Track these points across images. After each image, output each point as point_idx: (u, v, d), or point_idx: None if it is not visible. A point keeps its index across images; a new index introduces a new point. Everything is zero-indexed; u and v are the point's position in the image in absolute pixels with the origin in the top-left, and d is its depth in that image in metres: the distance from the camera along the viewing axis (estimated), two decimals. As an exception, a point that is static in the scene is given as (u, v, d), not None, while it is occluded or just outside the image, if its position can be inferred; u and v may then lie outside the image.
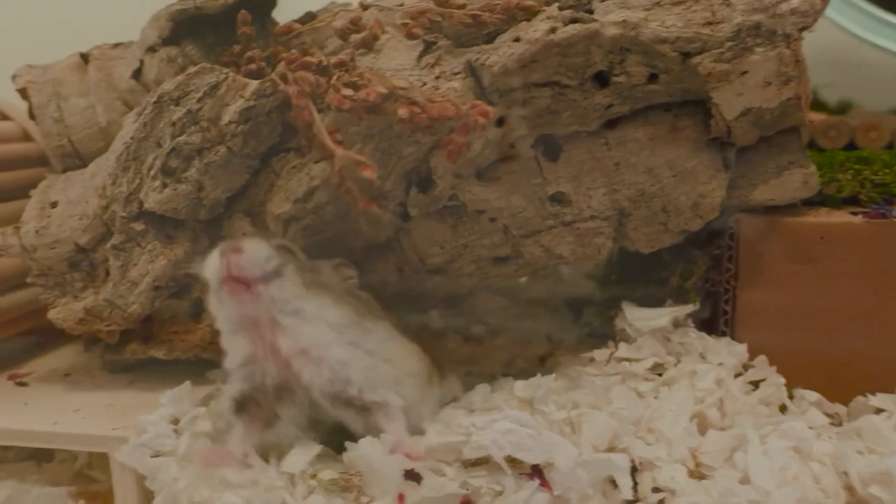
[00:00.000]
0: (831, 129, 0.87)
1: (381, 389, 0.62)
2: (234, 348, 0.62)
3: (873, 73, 1.15)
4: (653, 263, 0.79)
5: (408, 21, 0.68)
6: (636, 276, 0.84)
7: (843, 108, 1.14)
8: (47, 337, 0.87)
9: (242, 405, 0.64)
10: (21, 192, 0.84)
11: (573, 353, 0.79)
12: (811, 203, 0.73)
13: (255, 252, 0.59)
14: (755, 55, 0.60)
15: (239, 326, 0.61)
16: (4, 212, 0.82)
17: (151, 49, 0.74)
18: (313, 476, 0.64)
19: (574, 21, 0.61)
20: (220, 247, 0.60)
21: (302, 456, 0.65)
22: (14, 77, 0.80)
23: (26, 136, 0.89)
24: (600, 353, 0.74)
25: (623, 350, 0.73)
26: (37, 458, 0.78)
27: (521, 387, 0.69)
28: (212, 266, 0.60)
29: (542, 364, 0.82)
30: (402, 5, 0.71)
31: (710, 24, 0.60)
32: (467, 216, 0.71)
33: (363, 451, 0.62)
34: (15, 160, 0.86)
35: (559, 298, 0.95)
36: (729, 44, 0.61)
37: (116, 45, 0.81)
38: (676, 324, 0.74)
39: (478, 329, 0.92)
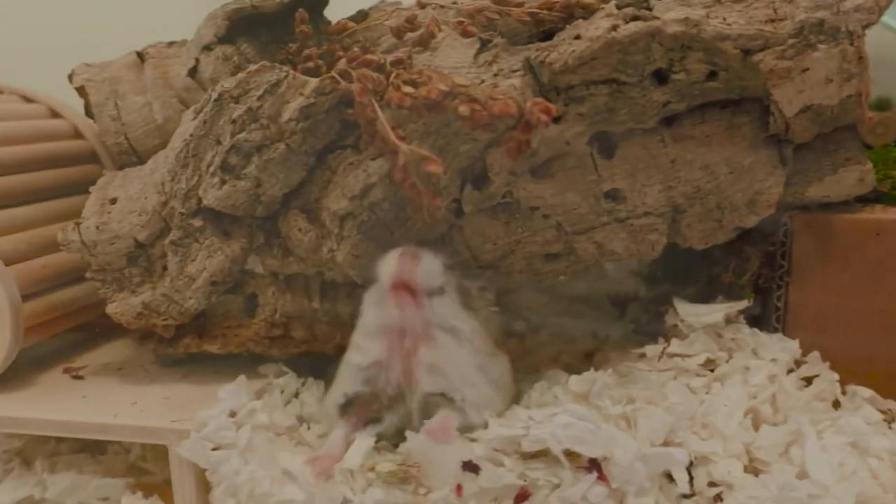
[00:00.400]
0: (878, 126, 0.86)
1: (485, 413, 0.65)
2: (369, 349, 0.64)
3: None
4: (701, 260, 0.79)
5: (463, 19, 0.68)
6: (683, 272, 0.84)
7: (882, 105, 1.14)
8: (97, 332, 0.88)
9: (348, 406, 0.66)
10: (72, 189, 0.86)
11: (621, 350, 0.79)
12: (864, 200, 0.73)
13: (430, 265, 0.62)
14: (818, 52, 0.60)
15: (385, 330, 0.63)
16: (58, 208, 0.84)
17: (207, 48, 0.75)
18: (371, 469, 0.65)
19: (635, 19, 0.61)
20: (401, 250, 0.63)
21: (360, 449, 0.66)
22: (71, 76, 0.81)
23: (77, 134, 0.90)
24: (651, 349, 0.74)
25: (675, 346, 0.74)
26: (90, 451, 0.79)
27: (575, 381, 0.69)
28: (388, 266, 0.62)
29: (588, 360, 0.82)
30: (456, 3, 0.72)
31: (772, 21, 0.61)
32: (520, 213, 0.71)
33: (421, 442, 0.63)
34: (66, 158, 0.87)
35: (602, 295, 0.96)
36: (792, 41, 0.61)
37: (171, 44, 0.82)
38: (728, 320, 0.74)
39: (520, 326, 0.93)
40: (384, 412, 0.65)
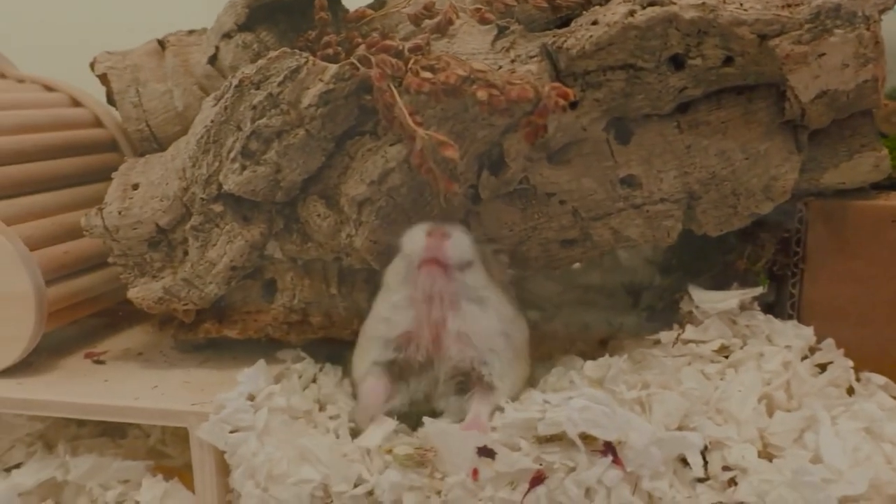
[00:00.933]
0: (893, 115, 0.87)
1: (507, 379, 0.66)
2: (399, 320, 0.66)
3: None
4: (715, 247, 0.80)
5: (480, 6, 0.69)
6: (697, 259, 0.84)
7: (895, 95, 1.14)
8: (118, 318, 0.90)
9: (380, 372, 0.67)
10: (92, 176, 0.87)
11: (635, 337, 0.79)
12: (880, 187, 0.73)
13: (460, 240, 0.64)
14: (834, 37, 0.61)
15: (415, 302, 0.65)
16: (78, 195, 0.85)
17: (227, 35, 0.76)
18: (388, 451, 0.66)
19: (652, 4, 0.61)
20: (428, 227, 0.65)
21: (378, 431, 0.67)
22: (93, 64, 0.82)
23: (97, 123, 0.91)
24: (666, 335, 0.75)
25: (689, 332, 0.74)
26: (111, 434, 0.80)
27: (591, 367, 0.70)
28: (414, 242, 0.65)
29: (603, 347, 0.83)
30: (473, -10, 0.72)
31: (789, 5, 0.61)
32: (537, 199, 0.72)
33: (438, 427, 0.64)
34: (87, 146, 0.88)
35: (617, 284, 0.96)
36: (808, 25, 0.61)
37: (192, 32, 0.83)
38: (743, 307, 0.75)
39: (533, 314, 0.93)
40: (411, 378, 0.67)
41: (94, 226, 0.72)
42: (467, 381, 0.66)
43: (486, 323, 0.66)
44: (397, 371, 0.67)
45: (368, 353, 0.68)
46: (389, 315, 0.66)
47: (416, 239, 0.65)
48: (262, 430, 0.66)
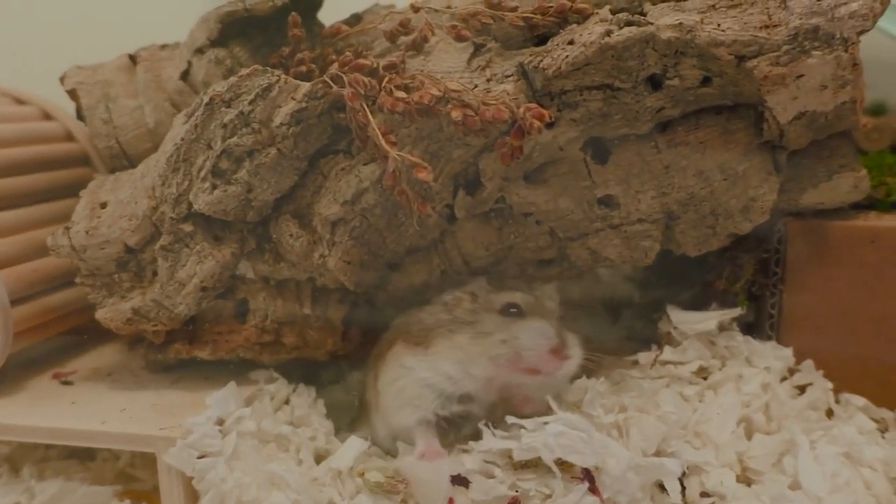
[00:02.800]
0: (874, 132, 0.86)
1: None
2: (464, 381, 0.66)
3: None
4: (696, 265, 0.79)
5: (457, 23, 0.68)
6: (677, 278, 0.83)
7: (877, 110, 1.14)
8: (88, 336, 0.88)
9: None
10: (64, 192, 0.85)
11: (615, 356, 0.78)
12: (859, 207, 0.72)
13: (575, 361, 0.66)
14: (812, 58, 0.60)
15: (496, 368, 0.65)
16: (49, 211, 0.83)
17: (199, 50, 0.75)
18: (361, 474, 0.65)
19: (629, 24, 0.61)
20: (553, 341, 0.64)
21: (350, 452, 0.66)
22: (63, 78, 0.81)
23: (69, 137, 0.89)
24: (644, 356, 0.74)
25: (667, 353, 0.73)
26: (80, 457, 0.78)
27: (570, 392, 0.69)
28: (530, 344, 0.64)
29: (581, 367, 0.82)
30: (449, 7, 0.71)
31: (767, 27, 0.60)
32: (513, 218, 0.71)
33: (410, 463, 0.63)
34: (58, 160, 0.87)
35: (597, 301, 0.95)
36: (786, 47, 0.60)
37: (164, 47, 0.81)
38: (722, 327, 0.74)
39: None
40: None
41: (60, 245, 0.71)
42: None
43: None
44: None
45: (418, 401, 0.67)
46: (453, 372, 0.65)
47: (532, 341, 0.64)
48: (230, 455, 0.65)
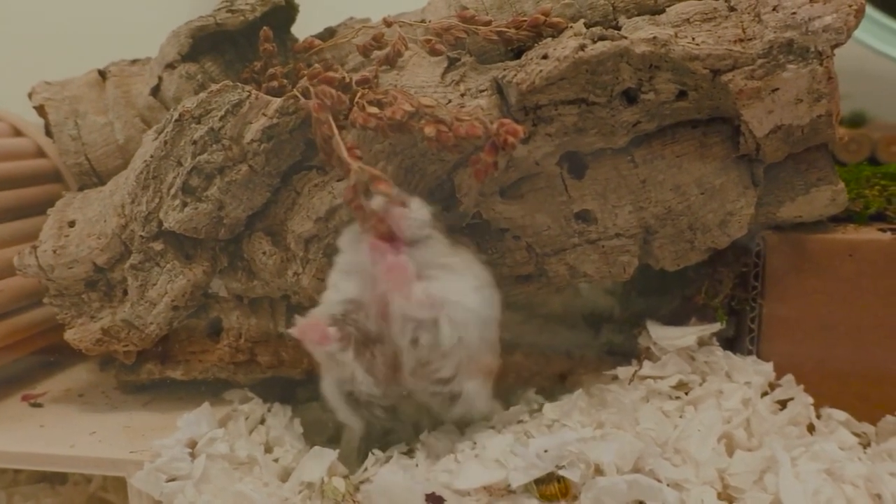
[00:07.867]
0: (852, 143, 0.86)
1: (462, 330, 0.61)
2: (344, 288, 0.62)
3: (886, 85, 1.14)
4: (675, 280, 0.78)
5: (431, 37, 0.67)
6: (657, 292, 0.83)
7: (856, 121, 1.14)
8: (60, 355, 0.86)
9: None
10: (34, 209, 0.83)
11: (594, 371, 0.78)
12: (837, 219, 0.72)
13: (416, 214, 0.60)
14: (787, 72, 0.60)
15: (358, 271, 0.61)
16: (19, 229, 0.81)
17: (170, 66, 0.73)
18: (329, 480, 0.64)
19: (603, 38, 0.60)
20: (387, 199, 0.59)
21: (318, 464, 0.65)
22: (31, 94, 0.79)
23: (40, 153, 0.87)
24: (623, 371, 0.73)
25: (647, 368, 0.72)
26: (50, 481, 0.77)
27: (550, 409, 0.68)
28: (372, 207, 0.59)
29: (562, 381, 0.81)
30: (423, 21, 0.71)
31: (741, 41, 0.60)
32: (490, 234, 0.70)
33: (384, 480, 0.62)
34: (28, 177, 0.85)
35: (577, 314, 0.94)
36: (760, 61, 0.60)
37: (134, 62, 0.80)
38: (701, 342, 0.73)
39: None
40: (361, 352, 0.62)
41: (27, 265, 0.69)
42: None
43: (454, 286, 0.61)
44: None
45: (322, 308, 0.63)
46: (337, 281, 0.62)
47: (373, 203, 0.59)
48: (199, 478, 0.63)
